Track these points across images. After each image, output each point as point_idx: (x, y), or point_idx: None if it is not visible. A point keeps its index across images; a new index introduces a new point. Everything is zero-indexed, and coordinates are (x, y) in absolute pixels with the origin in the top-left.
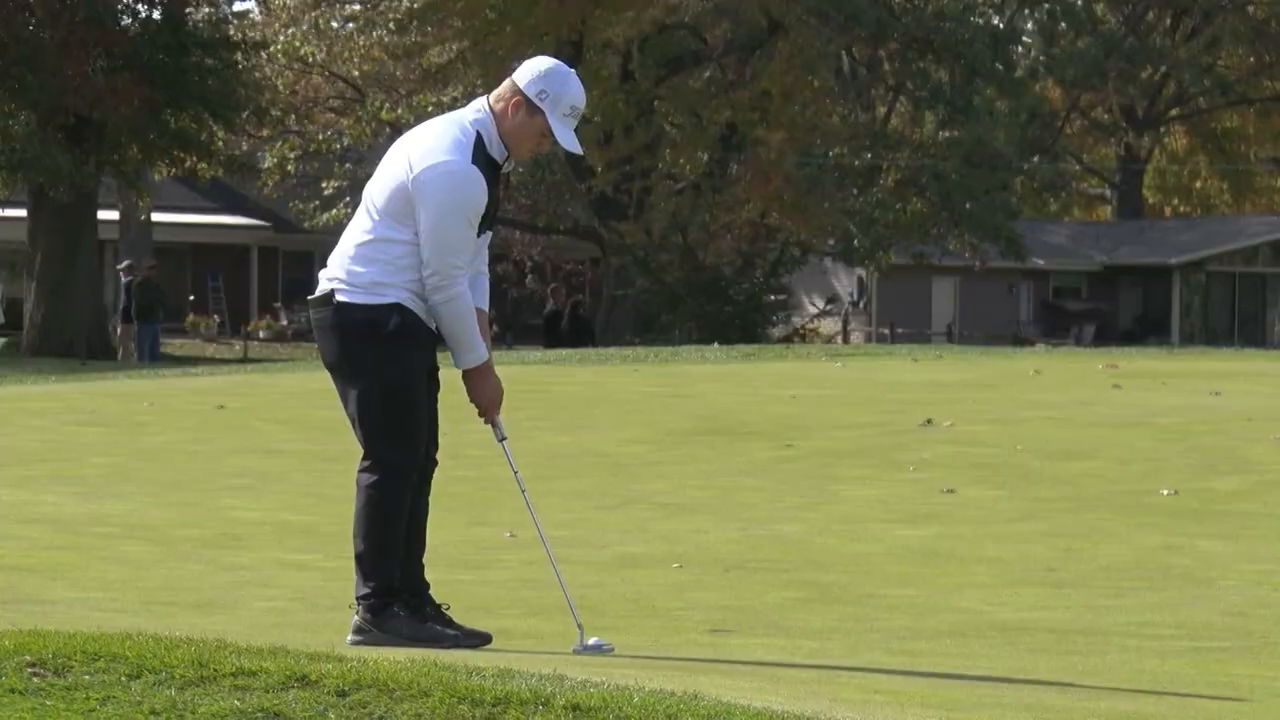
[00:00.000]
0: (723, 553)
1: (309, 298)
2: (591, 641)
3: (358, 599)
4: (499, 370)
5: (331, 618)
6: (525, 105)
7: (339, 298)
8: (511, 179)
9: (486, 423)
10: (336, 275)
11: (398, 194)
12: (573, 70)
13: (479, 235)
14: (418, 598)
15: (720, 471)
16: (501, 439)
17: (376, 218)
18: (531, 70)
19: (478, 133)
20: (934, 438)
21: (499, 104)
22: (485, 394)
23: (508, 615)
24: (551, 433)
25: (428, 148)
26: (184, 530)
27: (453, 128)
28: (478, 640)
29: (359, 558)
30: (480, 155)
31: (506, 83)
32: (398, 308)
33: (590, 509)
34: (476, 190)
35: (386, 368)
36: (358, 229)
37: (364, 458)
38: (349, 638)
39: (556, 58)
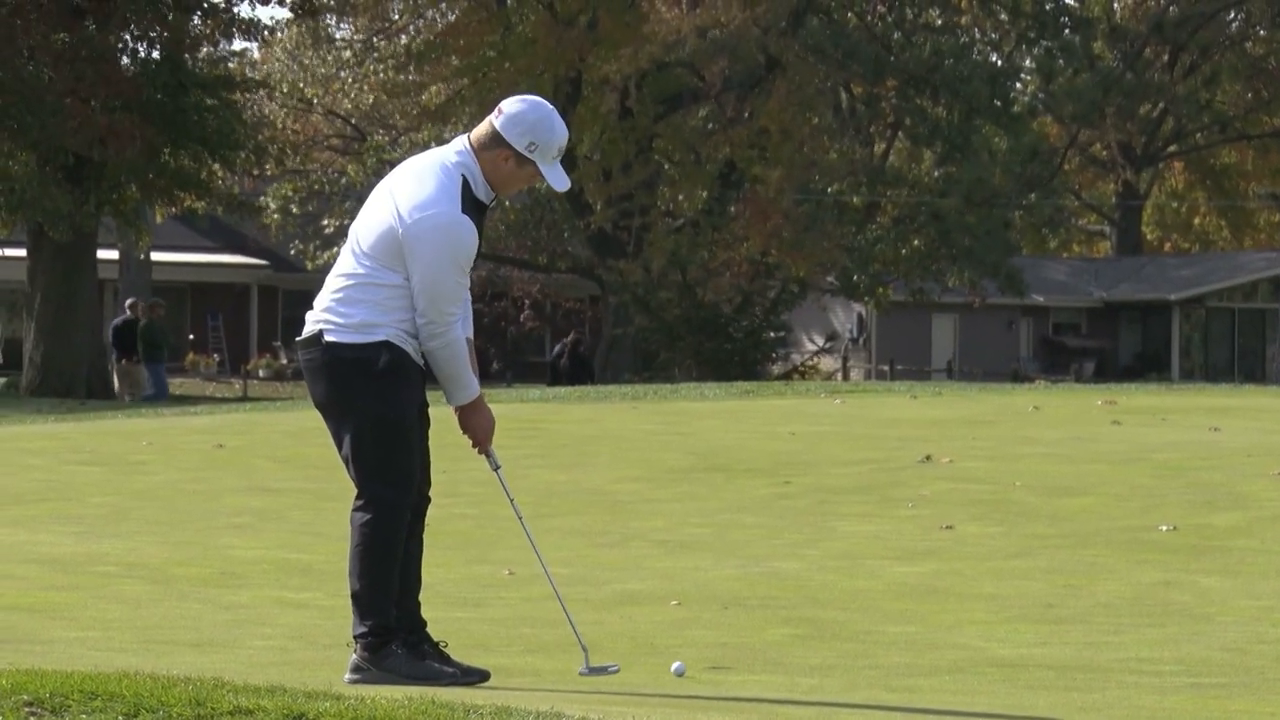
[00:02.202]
0: (721, 590)
1: (297, 339)
2: (611, 666)
3: (355, 638)
4: (494, 406)
5: (329, 656)
6: (515, 158)
7: (328, 337)
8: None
9: (480, 453)
10: (324, 316)
11: (386, 238)
12: (552, 109)
13: None
14: (415, 635)
15: (718, 508)
16: (496, 468)
17: (365, 260)
18: (517, 123)
19: (463, 176)
20: (932, 474)
21: (486, 153)
22: (479, 427)
23: (506, 653)
24: (549, 470)
25: (416, 195)
26: (182, 569)
27: (438, 172)
28: (475, 678)
29: (355, 596)
30: (468, 199)
31: (489, 130)
32: (387, 345)
33: (588, 547)
34: (468, 238)
35: (378, 405)
36: (344, 270)
37: (357, 496)
38: (347, 676)
39: (554, 95)
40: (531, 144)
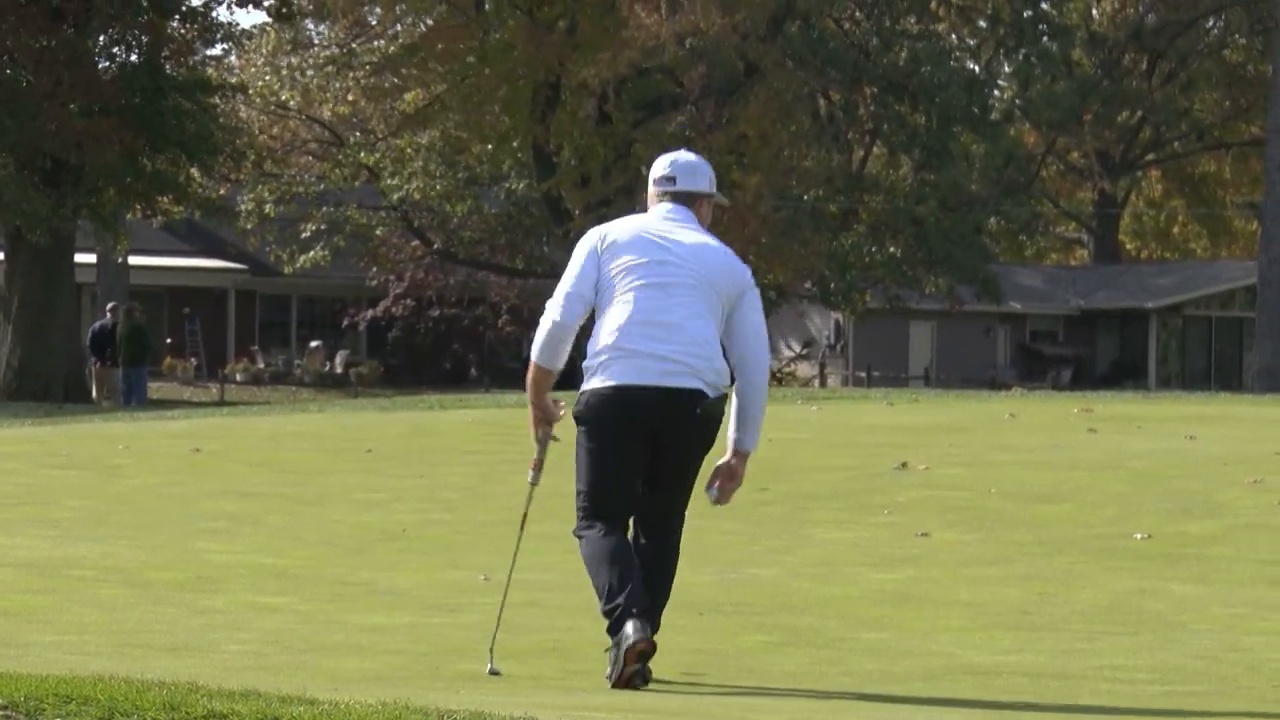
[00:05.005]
0: (696, 596)
1: (711, 398)
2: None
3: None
4: (472, 411)
5: (305, 660)
6: (708, 202)
7: (719, 394)
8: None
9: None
10: (713, 379)
11: (721, 301)
12: (691, 150)
13: None
14: None
15: (695, 514)
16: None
17: (714, 322)
18: (706, 175)
19: None
20: (908, 481)
21: (702, 214)
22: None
23: (481, 659)
24: (527, 476)
25: (732, 257)
26: (158, 573)
27: (726, 251)
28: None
29: (665, 599)
30: None
31: (694, 193)
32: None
33: (565, 552)
34: None
35: None
36: (706, 327)
37: (676, 519)
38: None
39: (533, 100)
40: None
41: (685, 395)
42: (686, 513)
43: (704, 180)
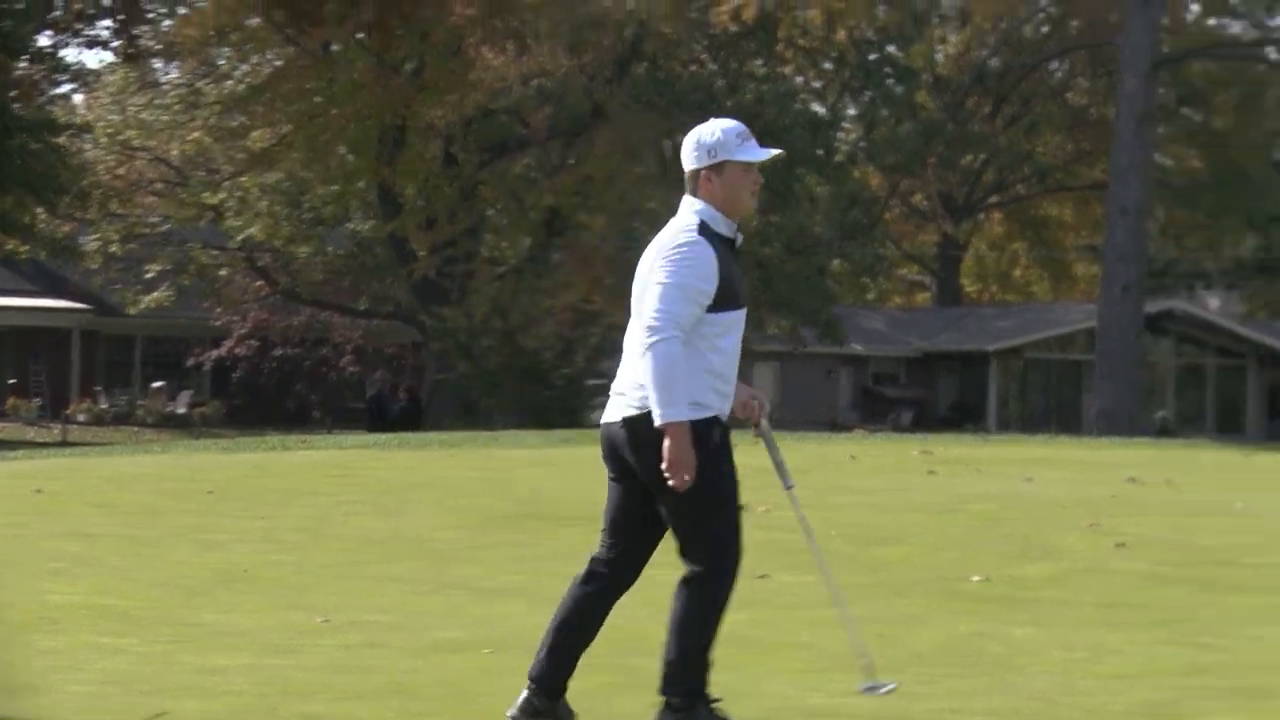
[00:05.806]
0: (535, 638)
1: (625, 417)
2: (883, 685)
3: (677, 701)
4: (313, 453)
5: (145, 702)
6: (713, 173)
7: (639, 409)
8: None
9: (674, 479)
10: (642, 396)
11: None
12: (710, 120)
13: (734, 310)
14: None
15: (536, 556)
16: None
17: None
18: (693, 149)
19: (700, 219)
20: (748, 523)
21: (711, 185)
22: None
23: (321, 700)
24: (370, 517)
25: (663, 243)
26: None
27: (678, 225)
28: None
29: (682, 657)
30: (707, 233)
31: (696, 169)
32: (716, 421)
33: (406, 594)
34: (706, 255)
35: (715, 477)
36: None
37: (686, 559)
38: None
39: (379, 142)
40: (712, 150)
41: (615, 425)
42: (706, 554)
43: (693, 156)
